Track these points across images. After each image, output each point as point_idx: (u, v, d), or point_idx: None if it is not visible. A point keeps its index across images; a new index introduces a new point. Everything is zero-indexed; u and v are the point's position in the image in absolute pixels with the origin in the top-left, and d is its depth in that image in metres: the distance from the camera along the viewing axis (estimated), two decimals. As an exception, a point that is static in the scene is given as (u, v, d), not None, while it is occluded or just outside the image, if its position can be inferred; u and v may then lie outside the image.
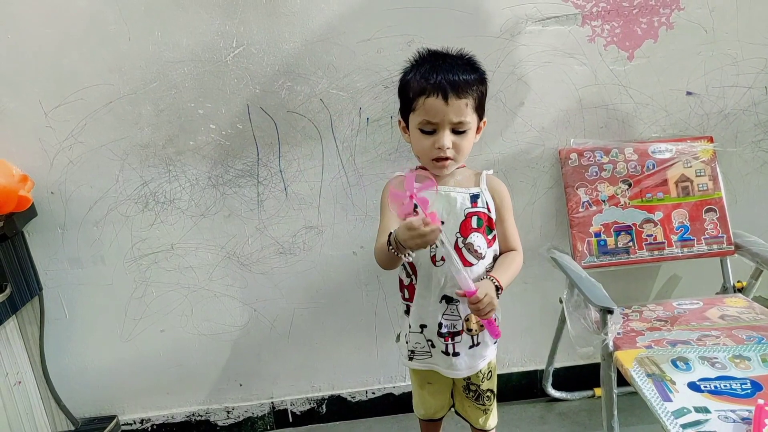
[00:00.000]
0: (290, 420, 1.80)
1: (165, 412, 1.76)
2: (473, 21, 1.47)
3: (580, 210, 1.55)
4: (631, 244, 1.55)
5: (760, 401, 0.80)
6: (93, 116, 1.46)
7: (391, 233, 1.07)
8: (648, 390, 0.90)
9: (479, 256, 1.18)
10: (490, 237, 1.20)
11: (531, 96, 1.55)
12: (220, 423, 1.78)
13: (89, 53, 1.42)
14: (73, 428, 1.67)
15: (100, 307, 1.63)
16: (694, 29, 1.53)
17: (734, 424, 0.82)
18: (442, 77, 1.10)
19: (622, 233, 1.55)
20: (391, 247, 1.06)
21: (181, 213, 1.57)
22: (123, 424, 1.74)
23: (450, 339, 1.21)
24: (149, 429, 1.76)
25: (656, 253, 1.55)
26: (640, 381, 0.92)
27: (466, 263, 1.17)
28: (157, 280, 1.62)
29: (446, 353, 1.22)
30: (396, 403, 1.80)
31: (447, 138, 1.12)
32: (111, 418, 1.71)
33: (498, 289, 1.14)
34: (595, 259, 1.54)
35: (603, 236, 1.55)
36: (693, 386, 0.91)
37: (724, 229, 1.55)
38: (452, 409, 1.40)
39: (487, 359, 1.26)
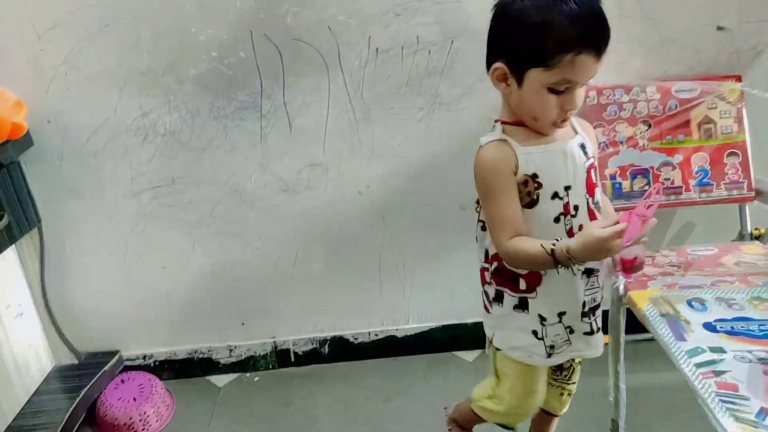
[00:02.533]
0: (292, 360, 1.80)
1: (167, 349, 1.76)
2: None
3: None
4: (647, 187, 1.49)
5: (780, 341, 0.76)
6: (89, 39, 1.39)
7: (554, 246, 0.88)
8: (662, 329, 0.86)
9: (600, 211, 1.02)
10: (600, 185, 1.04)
11: (550, 28, 1.46)
12: (222, 361, 1.78)
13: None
14: (76, 362, 1.68)
15: (101, 242, 1.60)
16: (730, -43, 1.42)
17: (750, 364, 0.78)
18: (598, 23, 0.84)
19: (639, 176, 1.49)
20: (559, 266, 0.90)
21: (182, 146, 1.51)
22: (126, 359, 1.75)
23: (593, 315, 1.03)
24: (152, 365, 1.76)
25: (673, 197, 1.49)
26: (653, 320, 0.88)
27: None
28: (158, 215, 1.58)
29: (589, 333, 1.03)
30: (399, 345, 1.78)
31: (581, 97, 0.91)
32: (114, 353, 1.71)
33: None
34: (610, 203, 1.48)
35: (618, 179, 1.49)
36: (709, 326, 0.87)
37: (745, 174, 1.49)
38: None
39: None
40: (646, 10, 1.45)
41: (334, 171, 1.57)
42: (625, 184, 1.49)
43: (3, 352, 1.45)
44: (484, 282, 1.07)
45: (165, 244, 1.62)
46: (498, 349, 1.08)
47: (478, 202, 1.01)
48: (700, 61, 1.51)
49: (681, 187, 1.49)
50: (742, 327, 0.86)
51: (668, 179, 1.49)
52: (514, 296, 1.01)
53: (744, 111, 1.49)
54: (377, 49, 1.44)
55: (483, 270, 1.06)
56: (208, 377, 1.79)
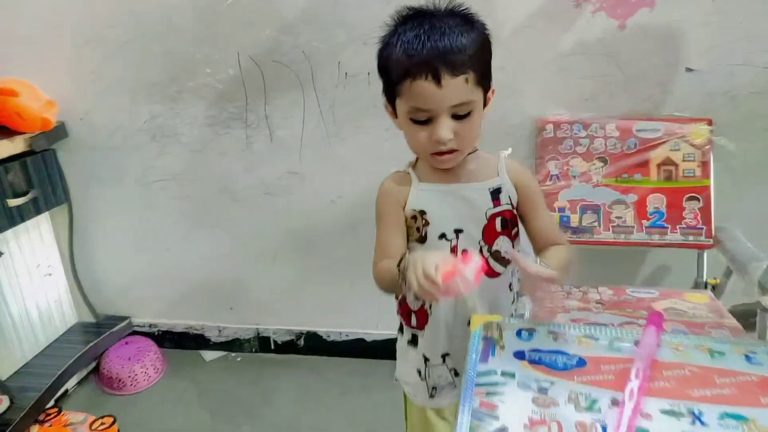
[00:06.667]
0: (272, 347, 1.98)
1: (169, 321, 2.02)
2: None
3: (548, 183, 1.51)
4: (596, 223, 1.48)
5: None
6: (112, 54, 1.67)
7: (402, 259, 0.86)
8: (474, 350, 0.91)
9: (506, 263, 0.97)
10: (513, 234, 0.99)
11: (511, 61, 1.51)
12: (213, 339, 2.01)
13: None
14: (94, 321, 1.99)
15: (119, 222, 1.89)
16: (699, -2, 1.39)
17: (525, 391, 0.83)
18: (429, 49, 0.83)
19: (589, 212, 1.49)
20: (399, 277, 0.85)
21: (183, 147, 1.76)
22: (135, 325, 2.03)
23: None
24: (156, 333, 2.03)
25: (623, 236, 1.47)
26: (473, 341, 0.93)
27: (493, 274, 0.96)
28: (163, 205, 1.84)
29: None
30: (367, 349, 1.90)
31: (445, 128, 0.86)
32: (125, 318, 2.00)
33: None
34: (555, 235, 1.50)
35: (567, 212, 1.50)
36: (519, 354, 0.89)
37: (705, 220, 1.43)
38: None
39: None
40: (608, 48, 1.46)
41: (309, 180, 1.73)
42: (574, 218, 1.50)
43: (29, 303, 1.78)
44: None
45: (168, 230, 1.88)
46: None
47: None
48: (669, 101, 1.48)
49: (633, 227, 1.47)
50: (550, 358, 0.89)
51: (620, 218, 1.48)
52: (407, 330, 1.03)
53: (711, 156, 1.44)
54: (346, 74, 1.59)
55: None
56: (200, 351, 2.02)
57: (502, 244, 0.97)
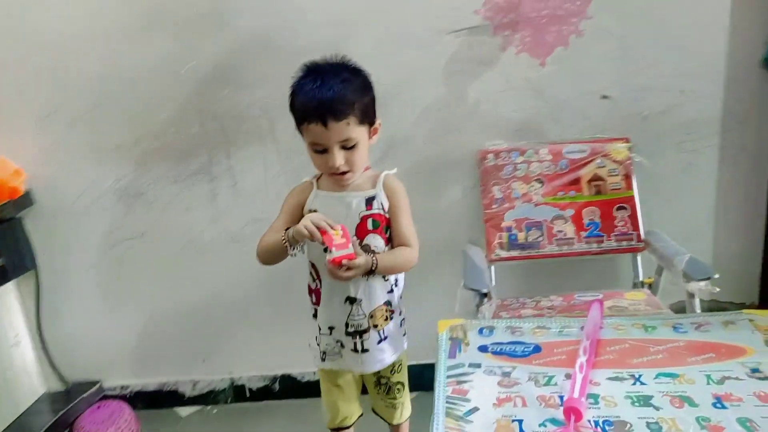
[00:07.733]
0: (247, 395, 2.00)
1: (141, 381, 2.02)
2: (391, 37, 1.64)
3: (494, 206, 1.66)
4: (541, 239, 1.63)
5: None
6: (75, 123, 1.75)
7: (287, 229, 1.21)
8: (443, 350, 1.01)
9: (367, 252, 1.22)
10: (388, 236, 1.26)
11: (449, 101, 1.69)
12: (187, 394, 2.02)
13: (77, 66, 1.71)
14: (63, 389, 1.97)
15: (87, 285, 1.92)
16: (605, 36, 1.61)
17: (491, 376, 0.93)
18: (318, 101, 1.13)
19: (533, 229, 1.64)
20: (283, 239, 1.22)
21: (149, 205, 1.83)
22: (107, 389, 2.02)
23: (358, 337, 1.27)
24: (128, 395, 2.02)
25: (565, 248, 1.62)
26: (440, 342, 1.04)
27: None
28: (132, 264, 1.89)
29: (355, 350, 1.28)
30: (341, 385, 1.95)
31: (338, 157, 1.17)
32: (95, 383, 1.99)
33: (374, 265, 1.19)
34: (505, 252, 1.64)
35: (514, 231, 1.65)
36: (482, 348, 1.01)
37: (634, 226, 1.61)
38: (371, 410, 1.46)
39: (397, 353, 1.33)
40: (533, 84, 1.65)
41: (273, 225, 1.82)
42: (521, 236, 1.64)
43: (-4, 374, 1.77)
44: None
45: (137, 289, 1.92)
46: None
47: None
48: (590, 126, 1.68)
49: (573, 238, 1.63)
50: (510, 348, 1.00)
51: (561, 231, 1.63)
52: (311, 307, 1.34)
53: (632, 169, 1.62)
54: (301, 123, 1.72)
55: None
56: (174, 408, 2.02)
57: (372, 240, 1.24)
